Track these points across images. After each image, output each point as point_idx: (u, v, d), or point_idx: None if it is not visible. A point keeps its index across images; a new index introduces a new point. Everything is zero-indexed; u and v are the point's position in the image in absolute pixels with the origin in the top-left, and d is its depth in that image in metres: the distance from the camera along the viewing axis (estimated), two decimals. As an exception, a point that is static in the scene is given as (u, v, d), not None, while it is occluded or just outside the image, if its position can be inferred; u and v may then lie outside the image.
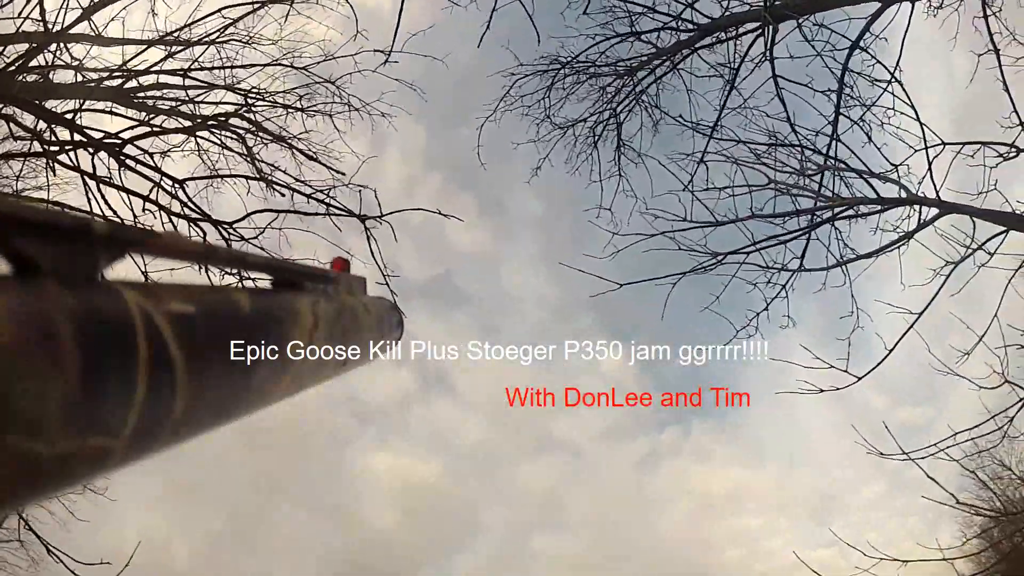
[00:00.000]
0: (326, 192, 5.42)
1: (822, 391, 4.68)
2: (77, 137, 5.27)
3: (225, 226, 5.31)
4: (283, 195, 5.51)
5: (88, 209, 5.14)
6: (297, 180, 5.54)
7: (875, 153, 5.10)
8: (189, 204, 5.39)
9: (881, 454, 4.26)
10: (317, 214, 5.39)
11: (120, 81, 5.45)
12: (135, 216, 5.27)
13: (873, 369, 4.72)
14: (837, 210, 5.04)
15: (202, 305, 0.35)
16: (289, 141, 5.62)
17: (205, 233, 5.34)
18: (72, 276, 0.28)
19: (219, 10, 5.45)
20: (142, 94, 5.59)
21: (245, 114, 5.66)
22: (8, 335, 0.23)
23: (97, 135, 5.35)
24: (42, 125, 5.23)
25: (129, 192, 5.28)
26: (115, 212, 5.23)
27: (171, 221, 5.29)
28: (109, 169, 5.29)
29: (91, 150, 5.28)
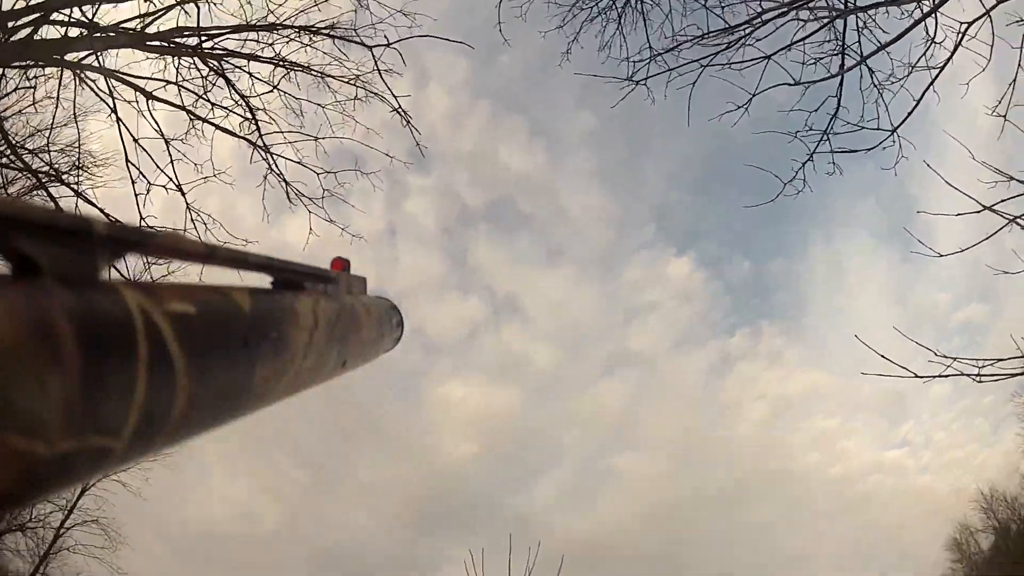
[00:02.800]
0: (329, 30, 5.71)
1: (855, 151, 4.49)
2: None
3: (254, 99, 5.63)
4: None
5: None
6: (295, 26, 5.80)
7: None
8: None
9: (939, 254, 3.84)
10: (329, 37, 5.76)
11: (138, 25, 5.65)
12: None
13: (903, 122, 4.42)
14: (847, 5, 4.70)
15: (202, 305, 0.35)
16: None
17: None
18: (72, 276, 0.28)
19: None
20: (160, 40, 5.80)
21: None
22: (8, 335, 0.23)
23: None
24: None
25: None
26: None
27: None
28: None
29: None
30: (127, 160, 5.71)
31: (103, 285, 0.30)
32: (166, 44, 5.74)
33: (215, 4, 5.67)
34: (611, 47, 6.13)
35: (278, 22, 5.83)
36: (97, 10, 5.43)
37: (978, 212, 3.66)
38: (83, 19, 5.43)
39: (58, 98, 5.77)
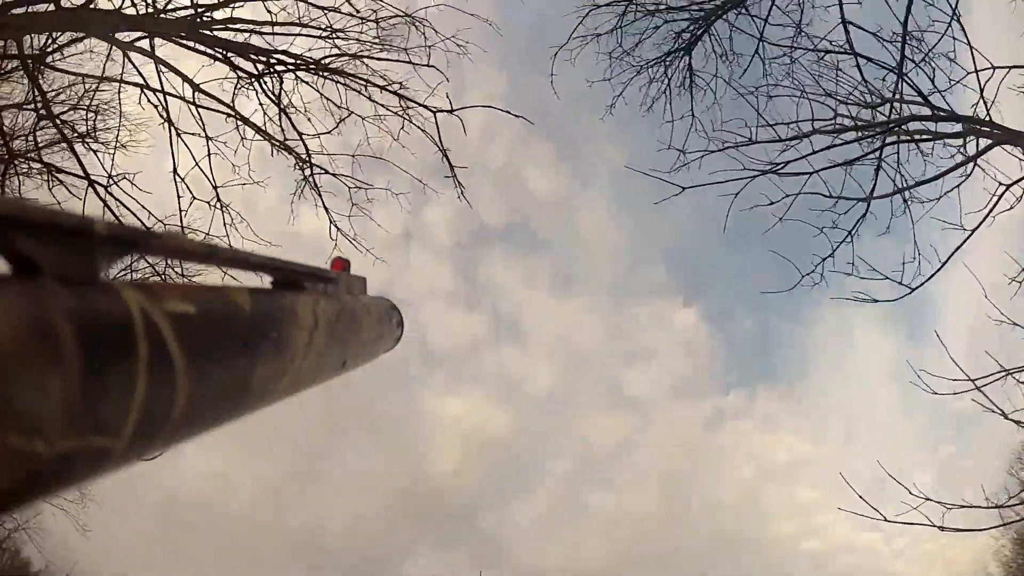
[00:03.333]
0: (397, 90, 5.60)
1: (876, 301, 4.77)
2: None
3: (308, 136, 5.68)
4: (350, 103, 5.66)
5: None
6: (362, 78, 5.73)
7: (937, 95, 5.04)
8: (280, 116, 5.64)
9: (935, 393, 4.18)
10: (395, 94, 5.62)
11: (190, 15, 5.59)
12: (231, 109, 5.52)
13: (926, 281, 4.77)
14: (899, 136, 5.03)
15: (202, 305, 0.35)
16: (370, 79, 5.79)
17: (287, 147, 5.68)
18: (72, 276, 0.28)
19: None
20: (214, 28, 5.75)
21: (338, 61, 5.83)
22: (8, 335, 0.23)
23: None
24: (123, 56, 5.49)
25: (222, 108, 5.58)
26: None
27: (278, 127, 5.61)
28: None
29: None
30: (172, 143, 5.64)
31: (103, 285, 0.30)
32: (216, 36, 5.69)
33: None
34: (653, 110, 6.32)
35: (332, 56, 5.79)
36: None
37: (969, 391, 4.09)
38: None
39: (102, 75, 5.71)
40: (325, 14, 5.72)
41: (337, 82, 5.80)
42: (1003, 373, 4.15)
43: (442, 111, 5.51)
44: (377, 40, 5.80)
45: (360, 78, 5.77)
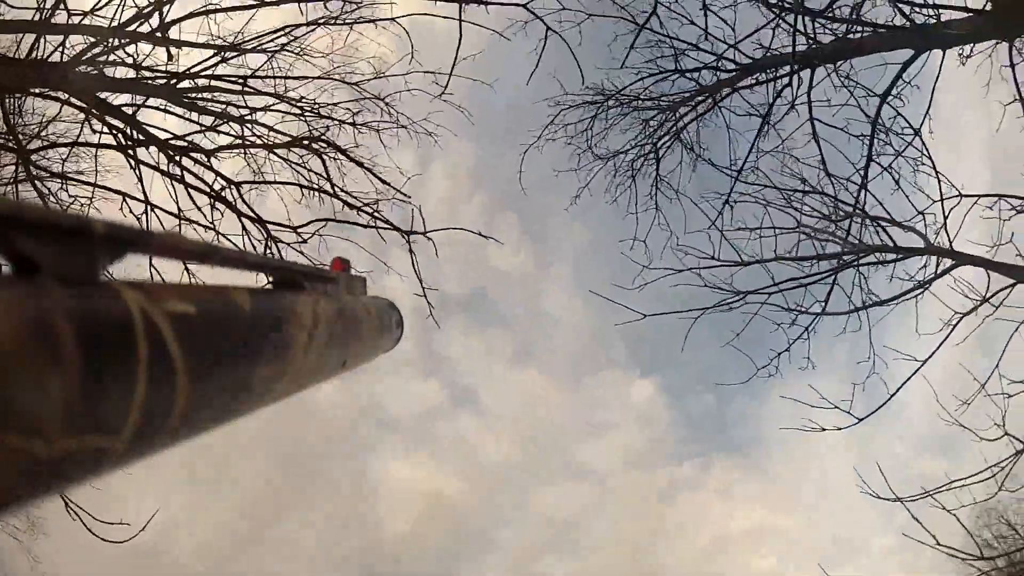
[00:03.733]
0: (372, 205, 5.60)
1: (824, 430, 4.91)
2: (138, 135, 5.44)
3: (275, 228, 5.50)
4: (324, 202, 5.65)
5: (146, 199, 5.35)
6: (343, 191, 5.71)
7: (903, 200, 5.28)
8: (238, 206, 5.53)
9: (878, 496, 4.39)
10: (367, 226, 5.55)
11: (173, 81, 5.56)
12: (180, 215, 5.41)
13: (873, 413, 4.99)
14: (859, 257, 5.23)
15: (202, 305, 0.35)
16: (348, 154, 5.76)
17: (249, 233, 5.50)
18: (72, 276, 0.28)
19: (280, 29, 5.64)
20: (194, 94, 5.72)
21: (323, 139, 5.82)
22: (8, 335, 0.23)
23: (162, 134, 5.51)
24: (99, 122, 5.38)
25: (194, 188, 5.45)
26: (176, 210, 5.41)
27: (237, 217, 5.46)
28: (159, 164, 5.46)
29: (158, 148, 5.45)
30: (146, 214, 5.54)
31: (103, 285, 0.30)
32: (198, 98, 5.67)
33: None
34: (619, 201, 6.47)
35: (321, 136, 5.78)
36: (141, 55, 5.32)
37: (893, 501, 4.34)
38: (122, 59, 5.36)
39: (79, 137, 5.61)
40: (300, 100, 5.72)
41: (310, 186, 5.75)
42: (924, 494, 4.34)
43: (415, 232, 5.43)
44: (351, 122, 5.79)
45: (329, 193, 5.69)
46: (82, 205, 5.58)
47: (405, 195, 5.61)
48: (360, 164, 5.75)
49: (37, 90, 5.34)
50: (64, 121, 5.73)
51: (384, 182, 5.67)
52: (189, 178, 5.51)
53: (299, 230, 5.52)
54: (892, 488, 4.32)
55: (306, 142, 5.78)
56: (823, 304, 5.34)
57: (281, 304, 0.46)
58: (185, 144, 5.57)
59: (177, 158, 5.47)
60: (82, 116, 5.45)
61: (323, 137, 5.81)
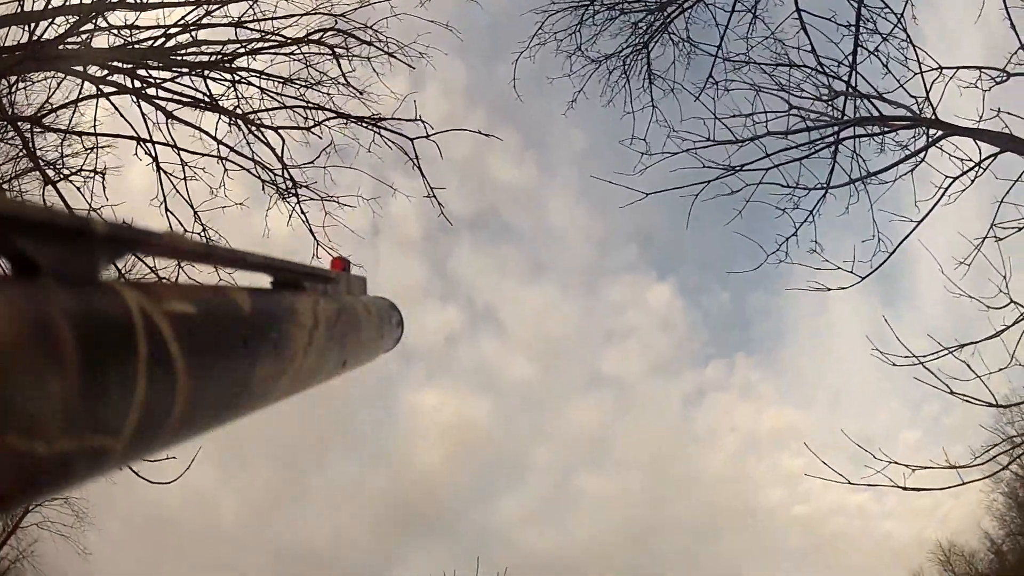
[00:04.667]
0: (374, 121, 5.68)
1: (829, 289, 5.03)
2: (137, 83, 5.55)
3: (286, 131, 5.65)
4: (326, 133, 5.74)
5: (151, 141, 5.46)
6: (340, 114, 5.78)
7: (892, 83, 5.34)
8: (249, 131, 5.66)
9: (893, 363, 4.46)
10: (371, 128, 5.63)
11: (162, 41, 5.60)
12: (180, 151, 5.48)
13: (873, 272, 5.11)
14: (853, 129, 5.30)
15: (202, 305, 0.35)
16: (359, 37, 5.79)
17: (260, 160, 5.67)
18: (72, 276, 0.28)
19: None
20: (182, 51, 5.76)
21: (333, 35, 5.85)
22: (8, 335, 0.23)
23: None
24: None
25: (211, 109, 5.58)
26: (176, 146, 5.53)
27: (249, 151, 5.65)
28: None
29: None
30: (159, 169, 5.59)
31: (103, 285, 0.30)
32: (191, 60, 5.72)
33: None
34: (614, 104, 6.56)
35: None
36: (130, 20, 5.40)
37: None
38: (111, 26, 5.42)
39: (75, 106, 5.64)
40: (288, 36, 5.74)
41: (308, 106, 5.81)
42: (944, 351, 4.39)
43: (419, 137, 5.55)
44: (343, 48, 5.83)
45: (331, 111, 5.79)
46: (86, 160, 5.62)
47: (392, 118, 5.64)
48: (369, 43, 5.77)
49: (31, 73, 5.41)
50: (62, 103, 5.76)
51: (372, 117, 5.73)
52: (196, 117, 5.60)
53: (311, 130, 5.63)
54: (909, 348, 4.34)
55: (317, 37, 5.80)
56: (825, 183, 5.39)
57: (281, 304, 0.46)
58: (189, 86, 5.61)
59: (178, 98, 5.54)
60: (79, 88, 5.51)
61: (336, 26, 5.83)
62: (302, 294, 0.51)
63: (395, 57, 5.84)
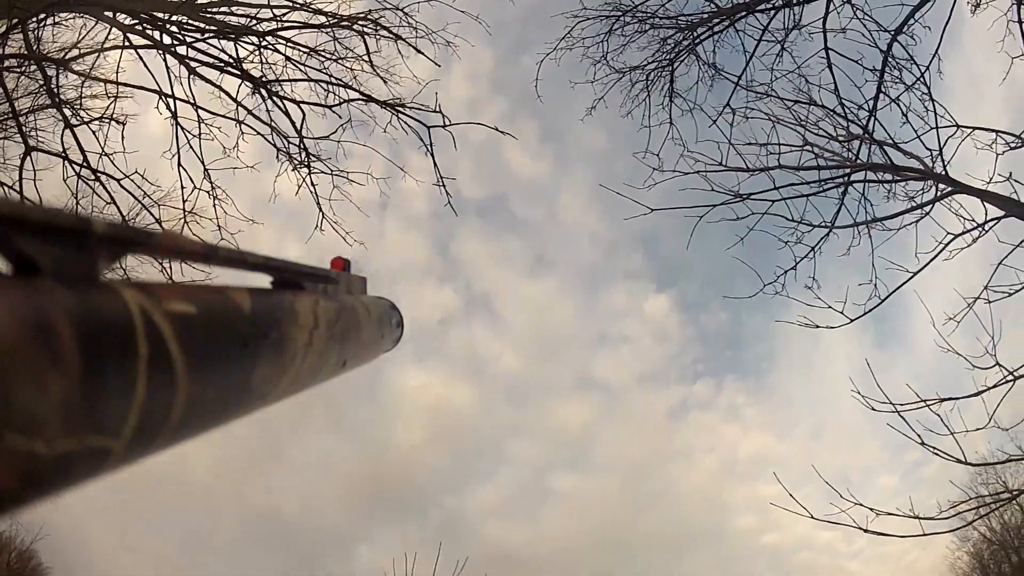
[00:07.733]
0: (394, 105, 5.78)
1: (818, 327, 5.18)
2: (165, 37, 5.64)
3: (308, 106, 5.75)
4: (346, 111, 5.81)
5: (172, 96, 5.53)
6: (363, 96, 5.90)
7: (909, 132, 5.44)
8: (268, 102, 5.75)
9: (873, 409, 4.45)
10: (390, 110, 5.70)
11: None
12: (198, 107, 5.54)
13: (862, 316, 5.21)
14: (864, 174, 5.40)
15: (202, 305, 0.35)
16: (389, 29, 5.93)
17: (277, 128, 5.78)
18: (72, 276, 0.28)
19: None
20: (213, 9, 5.86)
21: (364, 22, 5.98)
22: (8, 335, 0.23)
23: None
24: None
25: (231, 73, 5.64)
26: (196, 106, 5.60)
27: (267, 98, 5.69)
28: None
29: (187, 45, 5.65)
30: (177, 124, 5.63)
31: (103, 285, 0.30)
32: (220, 20, 5.75)
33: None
34: (633, 114, 6.66)
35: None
36: None
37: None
38: None
39: (101, 54, 5.66)
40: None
41: (331, 80, 5.85)
42: (922, 403, 4.41)
43: (435, 126, 5.60)
44: (372, 29, 5.88)
45: (354, 89, 5.85)
46: (106, 108, 5.62)
47: (411, 104, 5.69)
48: (398, 37, 5.87)
49: (58, 13, 5.45)
50: (88, 49, 5.78)
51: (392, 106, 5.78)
52: (218, 77, 5.64)
53: (333, 108, 5.72)
54: (887, 395, 4.37)
55: (348, 24, 5.88)
56: (830, 222, 5.48)
57: (281, 304, 0.46)
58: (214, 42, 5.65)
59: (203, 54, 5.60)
60: (106, 35, 5.56)
61: (369, 16, 5.93)
62: (302, 294, 0.51)
63: (424, 41, 5.89)
